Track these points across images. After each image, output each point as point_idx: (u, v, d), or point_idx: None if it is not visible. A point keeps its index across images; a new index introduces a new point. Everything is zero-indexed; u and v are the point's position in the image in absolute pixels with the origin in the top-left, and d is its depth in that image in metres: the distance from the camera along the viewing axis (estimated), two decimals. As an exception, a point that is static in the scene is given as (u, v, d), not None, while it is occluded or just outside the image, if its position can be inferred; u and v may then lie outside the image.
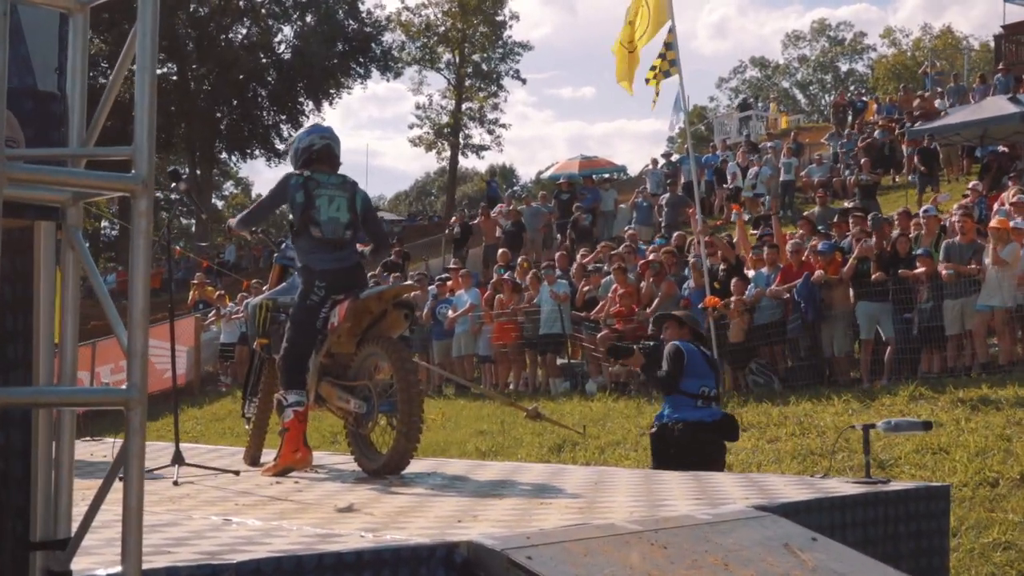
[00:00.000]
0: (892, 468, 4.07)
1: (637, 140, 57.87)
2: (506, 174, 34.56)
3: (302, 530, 1.73)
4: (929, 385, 5.19)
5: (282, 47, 20.50)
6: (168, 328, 3.31)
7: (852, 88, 25.29)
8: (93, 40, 14.23)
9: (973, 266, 5.43)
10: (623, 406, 6.02)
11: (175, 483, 2.60)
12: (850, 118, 13.81)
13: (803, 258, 6.12)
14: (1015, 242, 5.29)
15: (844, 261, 5.93)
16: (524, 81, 25.47)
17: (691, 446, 3.12)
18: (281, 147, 20.28)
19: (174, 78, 19.23)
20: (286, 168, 3.12)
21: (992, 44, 16.67)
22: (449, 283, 8.15)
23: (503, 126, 23.56)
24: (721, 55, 57.20)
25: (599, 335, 6.42)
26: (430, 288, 8.10)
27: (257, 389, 3.17)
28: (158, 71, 1.49)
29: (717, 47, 55.25)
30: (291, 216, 2.83)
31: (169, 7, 16.89)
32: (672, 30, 6.21)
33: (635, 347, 3.58)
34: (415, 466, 2.73)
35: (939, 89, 13.51)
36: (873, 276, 5.70)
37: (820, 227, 7.26)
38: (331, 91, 20.63)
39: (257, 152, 20.92)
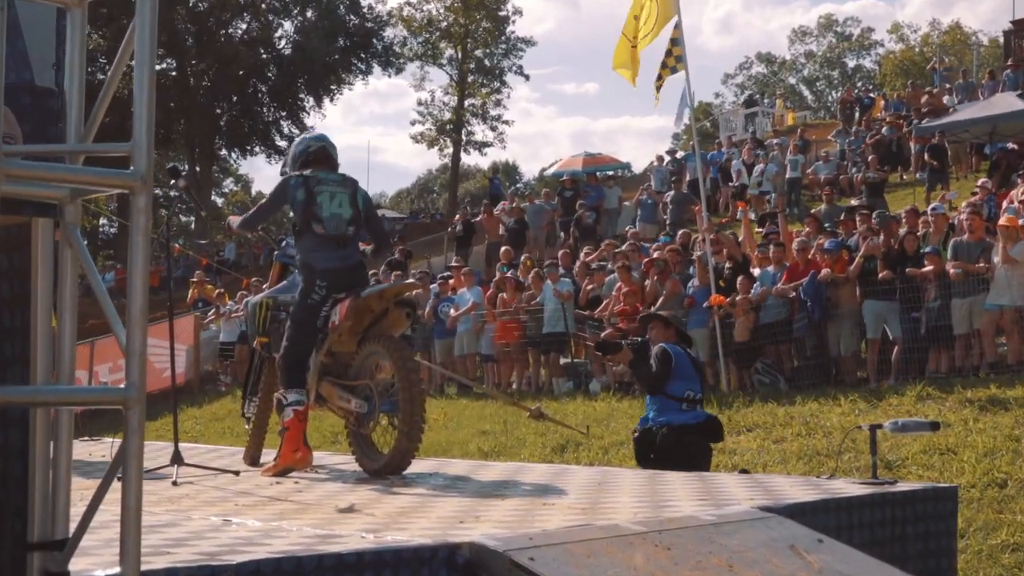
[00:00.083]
0: (899, 469, 4.05)
1: (641, 137, 57.80)
2: (509, 171, 34.54)
3: (302, 531, 1.73)
4: (937, 385, 5.16)
5: (282, 42, 20.44)
6: (167, 327, 3.33)
7: (859, 84, 25.18)
8: (91, 35, 14.33)
9: (982, 264, 5.39)
10: (627, 406, 6.00)
11: (174, 483, 2.59)
12: (857, 115, 13.72)
13: (809, 256, 6.08)
14: (1024, 240, 5.26)
15: (851, 259, 5.89)
16: (527, 77, 25.46)
17: (675, 449, 3.17)
18: (282, 144, 20.32)
19: (173, 74, 19.15)
20: (291, 149, 3.08)
21: (1001, 39, 16.56)
22: (451, 281, 8.14)
23: (506, 122, 23.62)
24: (727, 51, 56.99)
25: (602, 335, 6.41)
26: (432, 286, 8.08)
27: (257, 388, 3.16)
28: (157, 66, 1.47)
29: (723, 43, 55.08)
30: (291, 214, 2.82)
31: (168, 2, 16.80)
32: (678, 26, 6.17)
33: (623, 343, 3.57)
34: (417, 466, 2.72)
35: (947, 85, 13.40)
36: (880, 275, 5.67)
37: (827, 225, 7.22)
38: (332, 87, 20.52)
39: (257, 149, 20.86)
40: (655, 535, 1.68)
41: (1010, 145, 9.62)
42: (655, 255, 7.02)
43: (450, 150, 23.13)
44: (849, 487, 2.21)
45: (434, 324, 7.77)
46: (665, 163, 12.88)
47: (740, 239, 6.93)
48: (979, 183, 8.14)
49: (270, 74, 20.04)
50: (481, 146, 23.46)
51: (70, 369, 1.20)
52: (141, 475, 1.10)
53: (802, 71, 33.93)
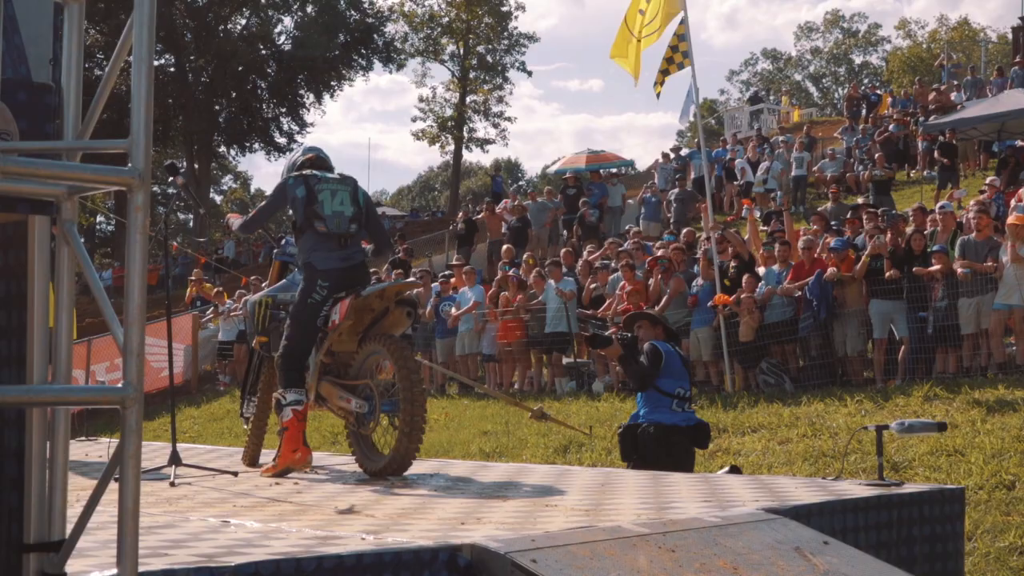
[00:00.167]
0: (906, 470, 4.03)
1: (645, 134, 57.69)
2: (511, 169, 34.51)
3: (301, 532, 1.72)
4: (944, 385, 5.12)
5: (282, 38, 20.36)
6: (165, 325, 3.30)
7: (866, 81, 24.99)
8: (89, 31, 14.30)
9: (990, 264, 5.33)
10: (630, 406, 5.93)
11: (172, 484, 2.58)
12: (864, 112, 13.66)
13: (815, 255, 6.04)
14: (1032, 239, 5.20)
15: (857, 258, 5.85)
16: (530, 73, 25.31)
17: (659, 448, 3.25)
18: (281, 140, 20.34)
19: (171, 69, 19.09)
20: (286, 162, 3.07)
21: (1010, 36, 16.40)
22: (452, 280, 8.10)
23: (508, 119, 23.21)
24: (732, 47, 56.98)
25: (605, 334, 6.37)
26: (433, 285, 8.05)
27: (256, 388, 3.15)
28: (155, 62, 1.46)
29: (728, 39, 54.94)
30: (291, 212, 2.81)
31: (166, -4, 16.98)
32: (684, 21, 6.12)
33: (614, 337, 3.58)
34: (417, 467, 2.71)
35: (955, 82, 13.31)
36: (887, 274, 5.62)
37: (833, 223, 7.16)
38: (332, 83, 20.43)
39: (256, 145, 20.81)
40: (659, 537, 1.66)
41: (1019, 143, 9.55)
42: (659, 253, 6.97)
43: (452, 147, 23.01)
44: (855, 489, 2.20)
45: (435, 323, 7.76)
46: (671, 160, 12.89)
47: (746, 237, 6.89)
48: (987, 181, 8.09)
49: (269, 70, 19.92)
50: (483, 143, 23.34)
51: (67, 368, 1.19)
52: (139, 476, 1.10)
53: (808, 67, 33.81)
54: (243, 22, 20.23)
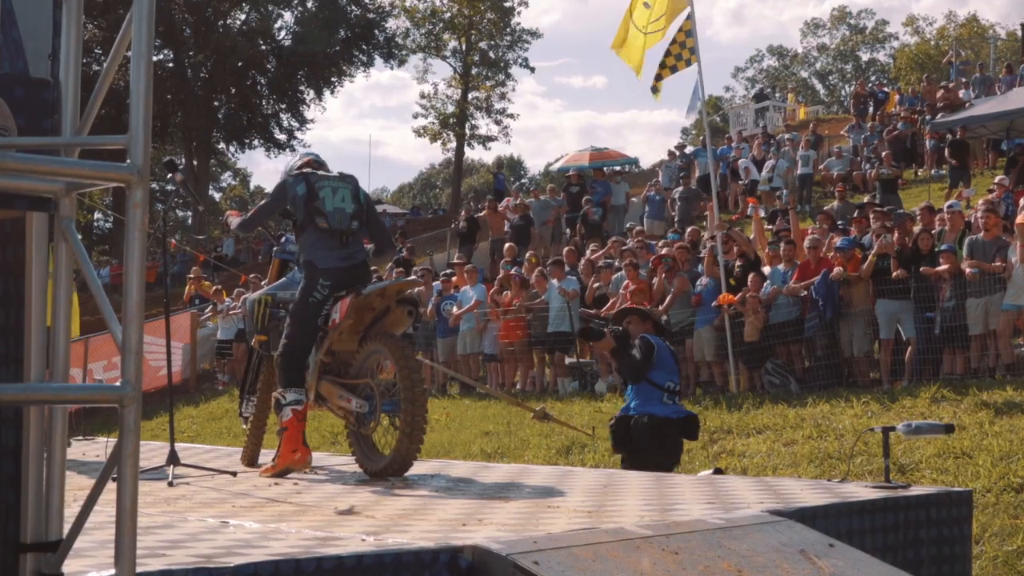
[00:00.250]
0: (913, 472, 4.00)
1: (650, 131, 57.52)
2: (513, 166, 34.44)
3: (301, 533, 1.71)
4: (951, 387, 5.08)
5: (282, 33, 20.20)
6: (163, 324, 3.28)
7: (873, 78, 24.87)
8: (87, 26, 13.95)
9: (998, 263, 5.29)
10: (633, 405, 5.92)
11: (170, 484, 2.57)
12: (871, 109, 13.55)
13: (821, 254, 6.00)
14: (1042, 239, 5.15)
15: (864, 258, 5.81)
16: (533, 70, 25.14)
17: (652, 439, 3.33)
18: (281, 137, 20.22)
19: (170, 65, 18.98)
20: (285, 158, 3.06)
21: (1019, 33, 16.28)
22: (454, 279, 8.06)
23: (511, 116, 23.03)
24: (738, 43, 56.46)
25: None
26: (434, 284, 8.03)
27: (255, 387, 3.14)
28: (154, 58, 1.44)
29: (734, 35, 54.72)
30: (290, 208, 2.79)
31: (166, -8, 16.87)
32: (690, 17, 6.06)
33: (605, 330, 3.59)
34: (418, 468, 2.70)
35: (964, 79, 13.18)
36: (894, 274, 5.58)
37: (839, 222, 7.14)
38: (332, 79, 20.28)
39: (256, 142, 20.66)
40: (662, 539, 1.65)
41: (1028, 141, 9.47)
42: (663, 252, 6.94)
43: (453, 144, 22.88)
44: (861, 491, 2.18)
45: (436, 322, 7.72)
46: (676, 159, 12.84)
47: (751, 236, 6.85)
48: (996, 180, 8.02)
49: (269, 66, 19.78)
50: (485, 140, 23.16)
51: (64, 366, 1.18)
52: (137, 475, 1.09)
53: (815, 64, 33.66)
54: (243, 17, 20.11)
